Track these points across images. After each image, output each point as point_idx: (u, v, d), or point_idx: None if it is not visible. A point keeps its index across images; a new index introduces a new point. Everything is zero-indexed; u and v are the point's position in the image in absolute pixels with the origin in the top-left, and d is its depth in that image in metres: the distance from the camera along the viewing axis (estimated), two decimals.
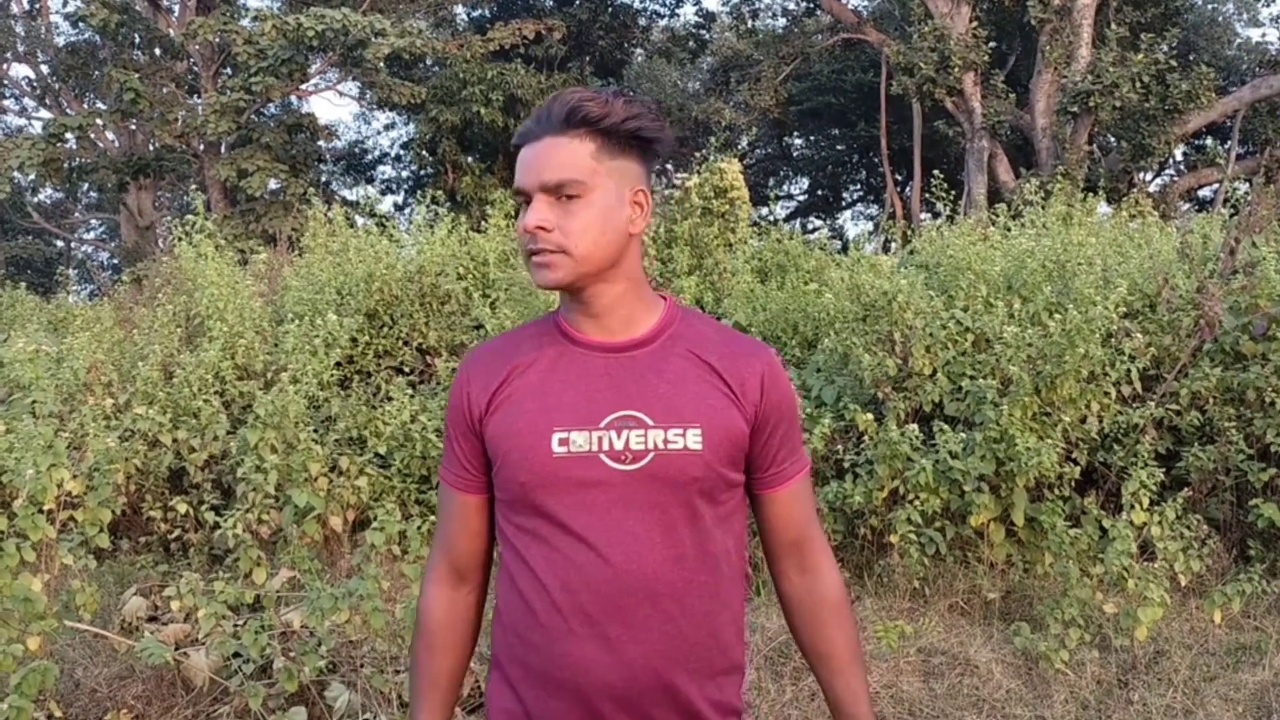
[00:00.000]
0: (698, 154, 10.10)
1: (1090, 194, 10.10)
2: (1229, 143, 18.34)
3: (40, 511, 3.98)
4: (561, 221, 1.46)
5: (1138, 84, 15.40)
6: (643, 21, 24.65)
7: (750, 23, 23.61)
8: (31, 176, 17.31)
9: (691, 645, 1.47)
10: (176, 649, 3.71)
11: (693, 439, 1.47)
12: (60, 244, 28.54)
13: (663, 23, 25.66)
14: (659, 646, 1.45)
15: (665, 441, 1.46)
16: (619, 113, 1.47)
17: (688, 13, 32.48)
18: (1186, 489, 4.79)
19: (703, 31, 25.31)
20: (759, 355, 1.56)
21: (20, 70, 27.96)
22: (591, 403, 1.48)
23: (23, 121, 25.03)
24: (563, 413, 1.48)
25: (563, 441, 1.46)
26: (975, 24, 17.14)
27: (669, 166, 23.05)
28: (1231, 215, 6.56)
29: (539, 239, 1.46)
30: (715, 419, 1.49)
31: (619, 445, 1.46)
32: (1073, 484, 5.01)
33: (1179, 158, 21.34)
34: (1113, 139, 18.10)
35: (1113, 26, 16.07)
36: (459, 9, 22.85)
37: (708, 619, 1.49)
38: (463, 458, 1.58)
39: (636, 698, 1.45)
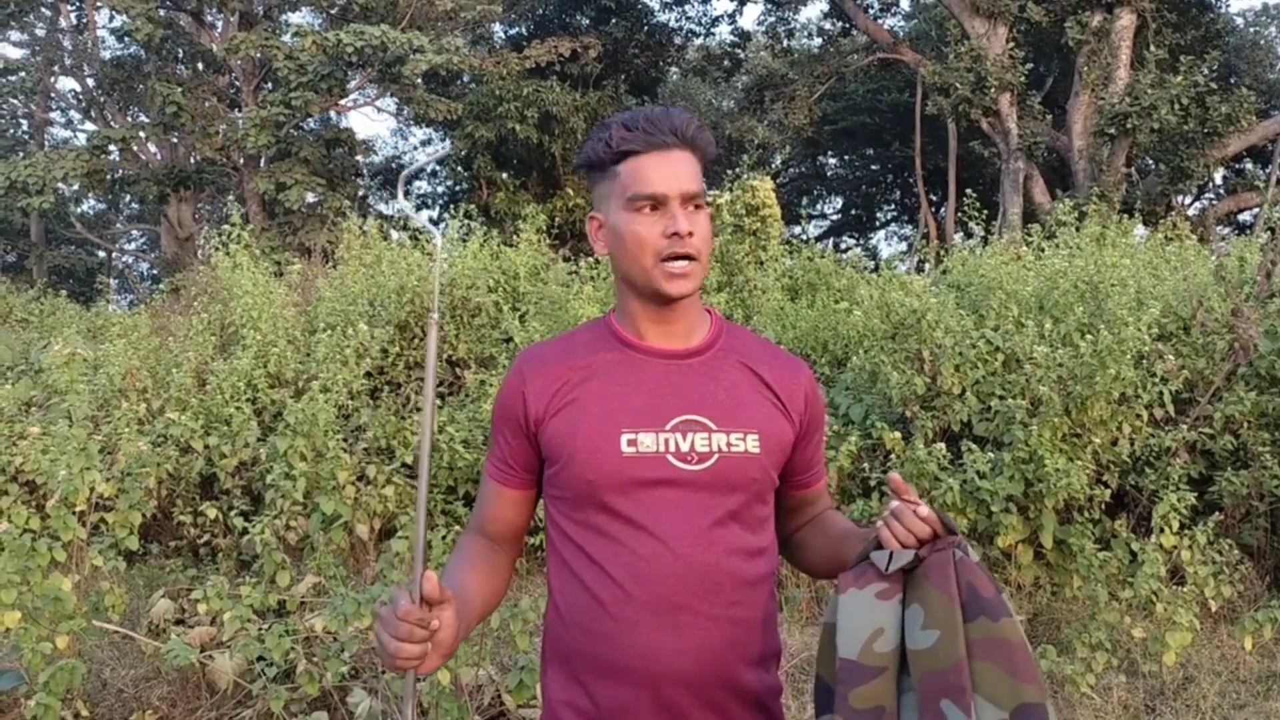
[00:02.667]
0: (729, 172, 10.12)
1: (1127, 216, 10.00)
2: (1270, 166, 18.12)
3: (72, 513, 4.05)
4: (696, 228, 1.54)
5: (1176, 106, 15.27)
6: (678, 40, 24.74)
7: (785, 42, 23.66)
8: (75, 187, 17.64)
9: (750, 632, 1.55)
10: (202, 652, 3.75)
11: (752, 443, 1.57)
12: (102, 254, 29.01)
13: (698, 41, 25.75)
14: (724, 634, 1.53)
15: (728, 445, 1.55)
16: (712, 143, 1.59)
17: (723, 31, 32.58)
18: (1218, 514, 4.72)
19: (738, 50, 25.37)
20: (802, 370, 1.69)
21: (67, 84, 28.52)
22: (656, 406, 1.56)
23: (68, 134, 25.57)
24: (629, 415, 1.55)
25: (631, 442, 1.53)
26: (1012, 45, 17.08)
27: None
28: (1270, 238, 6.49)
29: (687, 244, 1.53)
30: (769, 426, 1.59)
31: (685, 447, 1.54)
32: (1103, 507, 4.95)
33: (1218, 181, 21.10)
34: (1151, 161, 17.94)
35: (1151, 48, 15.97)
36: (496, 26, 23.10)
37: (760, 608, 1.58)
38: (508, 454, 1.63)
39: (704, 683, 1.52)
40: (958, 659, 1.36)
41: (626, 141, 1.54)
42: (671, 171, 1.52)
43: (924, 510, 1.46)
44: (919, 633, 1.39)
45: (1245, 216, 20.13)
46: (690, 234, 1.52)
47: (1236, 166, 20.29)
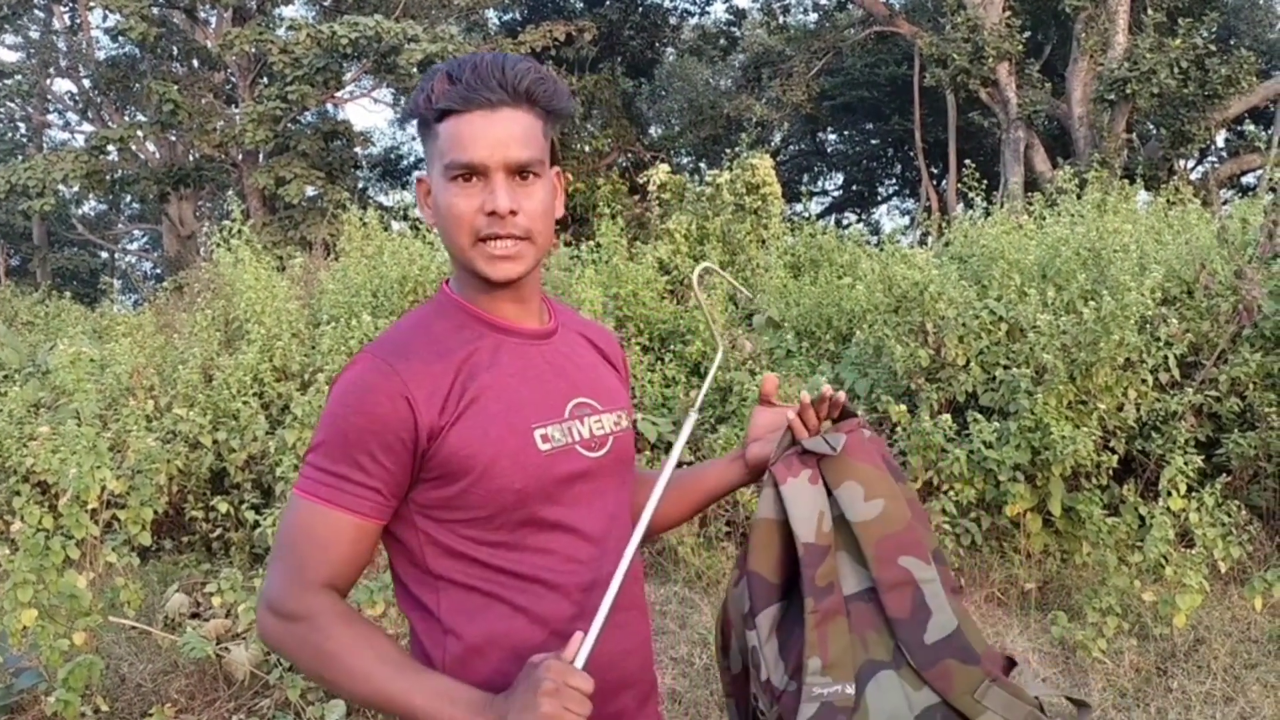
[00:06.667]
0: (728, 151, 10.10)
1: (1129, 182, 9.96)
2: (1271, 127, 18.01)
3: (84, 511, 4.07)
4: (522, 205, 1.32)
5: (1176, 70, 15.18)
6: (673, 20, 24.65)
7: (781, 18, 23.53)
8: (76, 189, 17.64)
9: (650, 612, 1.57)
10: (218, 644, 3.78)
11: (625, 419, 1.48)
12: (104, 255, 29.05)
13: (693, 21, 25.65)
14: (647, 621, 1.50)
15: (616, 424, 1.46)
16: (564, 93, 1.36)
17: (718, 10, 32.47)
18: (1226, 475, 4.73)
19: (733, 28, 25.26)
20: (614, 337, 1.62)
21: (63, 85, 28.53)
22: (549, 394, 1.39)
23: (66, 135, 25.51)
24: (530, 409, 1.36)
25: (545, 438, 1.35)
26: (1009, 13, 16.97)
27: (701, 164, 23.03)
28: (1272, 199, 6.45)
29: (508, 223, 1.31)
30: (625, 398, 1.53)
31: (586, 434, 1.40)
32: (1110, 473, 4.95)
33: (1220, 144, 20.99)
34: (1152, 126, 17.84)
35: (1149, 12, 15.85)
36: (490, 13, 22.99)
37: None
38: (380, 481, 1.30)
39: (641, 679, 1.45)
40: (906, 520, 1.48)
41: (445, 97, 1.29)
42: (495, 136, 1.28)
43: (841, 396, 1.53)
44: (863, 505, 1.48)
45: (1249, 179, 20.03)
46: (513, 211, 1.30)
47: (1238, 128, 20.15)
